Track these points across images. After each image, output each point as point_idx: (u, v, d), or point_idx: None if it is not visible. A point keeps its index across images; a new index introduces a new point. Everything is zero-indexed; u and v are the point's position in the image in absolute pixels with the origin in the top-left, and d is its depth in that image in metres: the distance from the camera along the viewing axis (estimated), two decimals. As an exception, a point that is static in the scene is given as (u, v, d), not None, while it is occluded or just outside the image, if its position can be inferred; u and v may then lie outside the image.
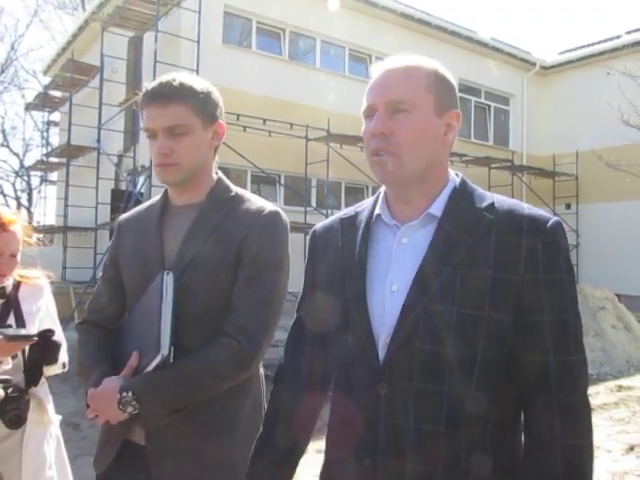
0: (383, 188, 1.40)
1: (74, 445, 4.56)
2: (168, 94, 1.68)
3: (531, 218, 1.23)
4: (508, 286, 1.19)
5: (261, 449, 1.46)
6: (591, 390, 6.78)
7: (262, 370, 1.86)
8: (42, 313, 2.34)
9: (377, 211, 1.37)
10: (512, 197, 1.32)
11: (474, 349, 1.19)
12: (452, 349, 1.18)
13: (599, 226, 16.13)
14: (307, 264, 1.51)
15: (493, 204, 1.27)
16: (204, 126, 1.74)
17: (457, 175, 1.36)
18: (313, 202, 13.46)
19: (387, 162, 1.27)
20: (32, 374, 2.21)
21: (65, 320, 9.48)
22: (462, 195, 1.30)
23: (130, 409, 1.58)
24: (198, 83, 1.74)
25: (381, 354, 1.24)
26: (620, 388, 6.99)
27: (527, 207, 1.27)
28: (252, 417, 1.76)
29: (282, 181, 13.29)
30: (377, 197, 1.41)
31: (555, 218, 1.24)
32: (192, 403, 1.65)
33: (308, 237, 1.56)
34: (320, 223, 1.54)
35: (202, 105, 1.72)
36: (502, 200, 1.29)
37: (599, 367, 7.88)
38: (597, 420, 5.65)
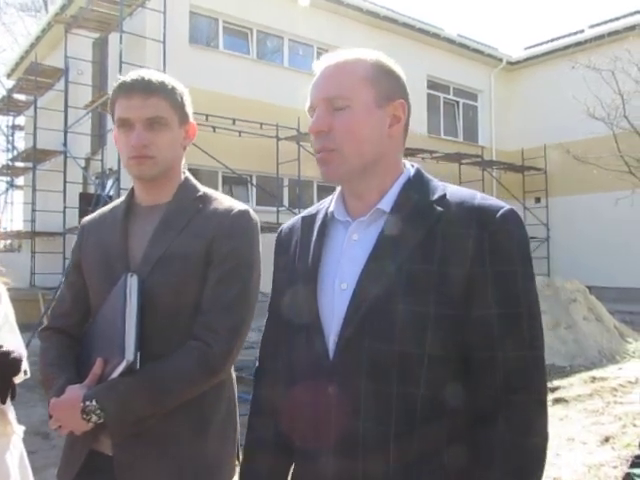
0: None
1: (43, 455, 4.45)
2: (151, 86, 1.67)
3: (481, 209, 1.19)
4: (454, 281, 1.15)
5: (254, 448, 1.43)
6: (565, 382, 6.87)
7: (234, 373, 1.81)
8: (0, 321, 2.25)
9: (331, 208, 1.35)
10: (482, 192, 1.28)
11: (422, 347, 1.15)
12: (400, 347, 1.16)
13: (569, 219, 16.39)
14: (274, 264, 1.49)
15: (445, 196, 1.23)
16: (180, 123, 1.74)
17: (412, 166, 1.33)
18: (285, 202, 13.41)
19: (329, 160, 1.25)
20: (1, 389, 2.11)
21: (34, 327, 9.27)
22: (414, 188, 1.27)
23: (94, 418, 1.52)
24: (175, 81, 1.77)
25: (331, 354, 1.22)
26: (594, 379, 7.05)
27: (480, 197, 1.23)
28: (226, 422, 1.72)
29: (254, 181, 13.21)
30: (334, 194, 1.39)
31: (507, 207, 1.20)
32: (161, 410, 1.59)
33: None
34: (286, 223, 1.52)
35: (180, 102, 1.74)
36: (455, 191, 1.25)
37: (572, 359, 7.95)
38: (571, 412, 5.70)
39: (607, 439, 4.82)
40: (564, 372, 7.44)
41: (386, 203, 1.26)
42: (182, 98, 1.75)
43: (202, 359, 1.59)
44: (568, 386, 6.72)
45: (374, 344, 1.17)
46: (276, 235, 1.52)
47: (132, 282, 1.59)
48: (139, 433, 1.59)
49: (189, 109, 1.79)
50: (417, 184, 1.28)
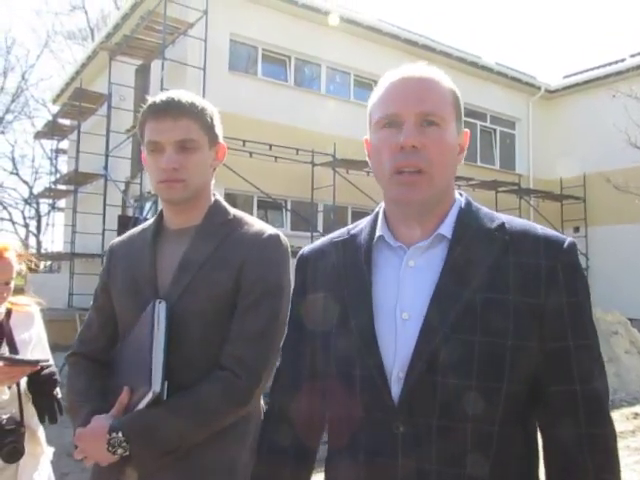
0: (382, 207, 1.32)
1: (75, 477, 4.45)
2: (181, 108, 1.64)
3: (547, 239, 1.17)
4: (530, 311, 1.11)
5: (267, 451, 1.37)
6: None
7: (263, 404, 1.74)
8: (34, 341, 2.28)
9: (378, 232, 1.27)
10: (519, 220, 1.26)
11: (500, 381, 1.10)
12: (477, 382, 1.09)
13: (608, 249, 15.98)
14: (294, 292, 1.41)
15: (504, 224, 1.20)
16: (210, 145, 1.71)
17: (461, 195, 1.30)
18: (320, 227, 13.41)
19: (416, 182, 1.17)
20: (46, 406, 2.12)
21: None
22: (469, 215, 1.24)
23: (120, 451, 1.48)
24: (205, 102, 1.73)
25: (395, 390, 1.13)
26: (636, 415, 6.79)
27: (540, 227, 1.21)
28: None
29: (288, 206, 13.26)
30: (375, 217, 1.32)
31: (570, 238, 1.18)
32: (187, 443, 1.54)
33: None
34: (307, 247, 1.44)
35: (210, 123, 1.70)
36: (511, 220, 1.23)
37: (613, 393, 7.69)
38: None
39: (651, 479, 4.61)
40: (605, 407, 7.17)
41: (446, 229, 1.21)
42: (212, 119, 1.71)
43: (228, 390, 1.54)
44: (609, 422, 6.46)
45: (448, 379, 1.10)
46: (296, 260, 1.43)
47: (160, 309, 1.55)
48: (163, 467, 1.54)
49: (219, 130, 1.75)
50: (470, 212, 1.25)
